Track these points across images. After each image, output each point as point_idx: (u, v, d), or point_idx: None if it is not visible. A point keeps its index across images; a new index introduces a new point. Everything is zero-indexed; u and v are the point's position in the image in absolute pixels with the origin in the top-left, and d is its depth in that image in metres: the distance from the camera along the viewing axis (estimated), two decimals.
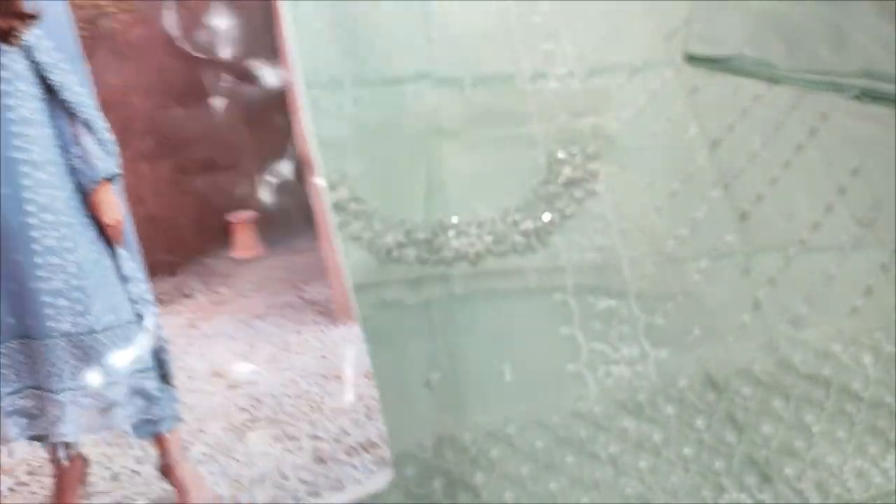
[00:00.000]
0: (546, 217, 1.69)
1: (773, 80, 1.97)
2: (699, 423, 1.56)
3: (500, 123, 1.88)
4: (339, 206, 1.73)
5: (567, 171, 1.77)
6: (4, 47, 1.41)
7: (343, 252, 1.64)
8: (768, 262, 1.66)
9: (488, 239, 1.65)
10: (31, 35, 1.43)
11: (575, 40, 2.04)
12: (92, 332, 1.47)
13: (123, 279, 1.56)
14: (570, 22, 2.08)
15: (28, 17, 1.41)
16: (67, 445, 1.60)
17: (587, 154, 1.81)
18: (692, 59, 2.00)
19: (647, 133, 1.86)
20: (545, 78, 1.95)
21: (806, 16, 2.09)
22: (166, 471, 1.70)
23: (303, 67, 1.83)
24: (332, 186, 1.74)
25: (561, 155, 1.81)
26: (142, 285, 1.59)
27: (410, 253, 1.64)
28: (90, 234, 1.52)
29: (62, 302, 1.44)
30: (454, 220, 1.69)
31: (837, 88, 1.94)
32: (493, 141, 1.84)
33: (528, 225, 1.68)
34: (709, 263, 1.62)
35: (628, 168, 1.78)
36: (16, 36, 1.40)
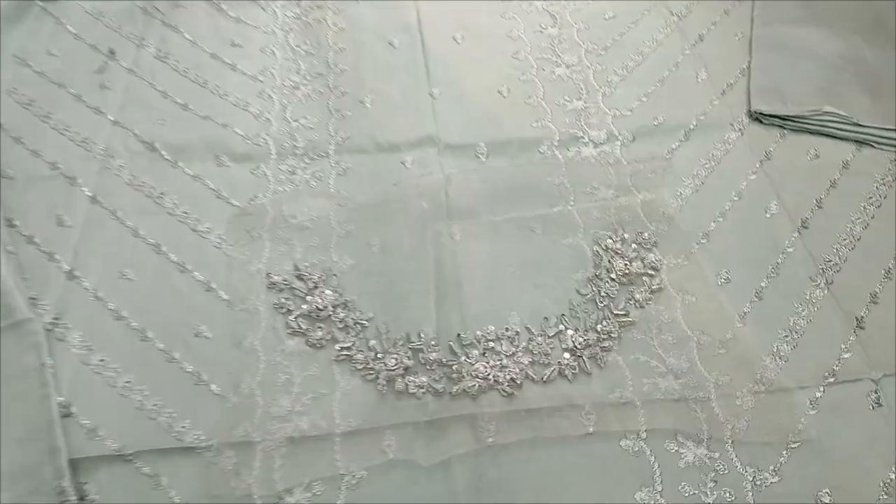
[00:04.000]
0: (599, 327, 1.27)
1: (861, 140, 1.59)
2: None
3: (526, 202, 1.49)
4: (316, 318, 1.30)
5: (620, 265, 1.35)
6: None
7: (332, 383, 1.22)
8: None
9: (524, 361, 1.22)
10: None
11: (611, 96, 1.65)
12: None
13: None
14: (603, 74, 1.69)
15: None
16: None
17: (643, 241, 1.40)
18: (758, 117, 1.63)
19: (715, 212, 1.46)
20: (579, 142, 1.56)
21: (890, 62, 1.73)
22: None
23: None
24: (309, 289, 1.32)
25: (610, 242, 1.40)
26: None
27: (419, 382, 1.20)
28: None
29: None
30: (476, 334, 1.27)
31: None
32: (518, 225, 1.44)
33: (577, 340, 1.25)
34: (827, 393, 1.20)
35: (698, 259, 1.36)
36: None
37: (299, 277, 1.40)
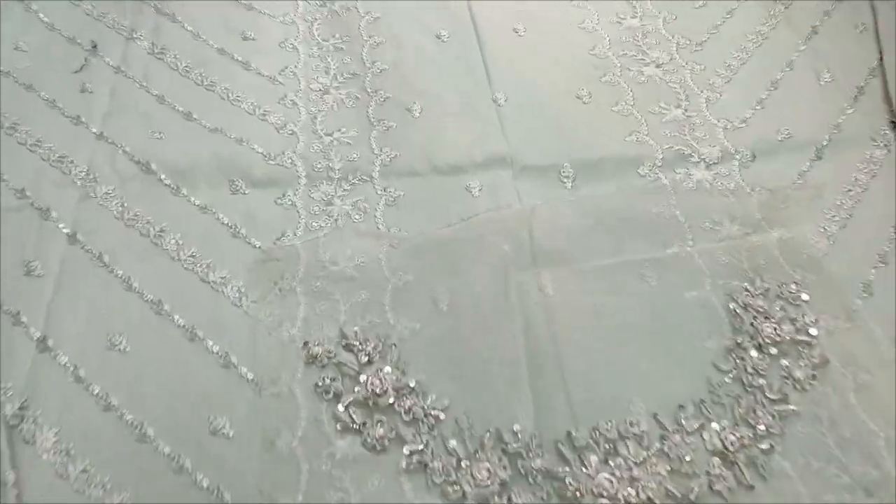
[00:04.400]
0: (752, 419, 0.93)
1: None
2: None
3: (632, 241, 1.15)
4: (373, 407, 0.96)
5: (767, 329, 1.01)
6: None
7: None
8: None
9: (661, 470, 0.88)
10: None
11: (717, 103, 1.31)
12: None
13: None
14: (703, 75, 1.35)
15: None
16: None
17: (789, 295, 1.07)
18: None
19: (873, 255, 1.15)
20: (687, 162, 1.21)
21: None
22: None
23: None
24: (362, 365, 0.98)
25: (748, 298, 1.06)
26: None
27: (523, 502, 0.87)
28: None
29: None
30: (593, 432, 0.93)
31: None
32: (626, 272, 1.10)
33: (727, 438, 0.91)
34: None
35: (863, 320, 1.03)
36: None
37: (347, 348, 1.05)
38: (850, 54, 1.50)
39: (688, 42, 1.52)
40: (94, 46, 1.45)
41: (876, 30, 1.54)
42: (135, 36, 1.48)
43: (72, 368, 1.05)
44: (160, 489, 0.94)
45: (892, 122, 1.37)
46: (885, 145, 1.34)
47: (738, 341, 1.08)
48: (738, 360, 1.06)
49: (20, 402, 1.01)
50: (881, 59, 1.47)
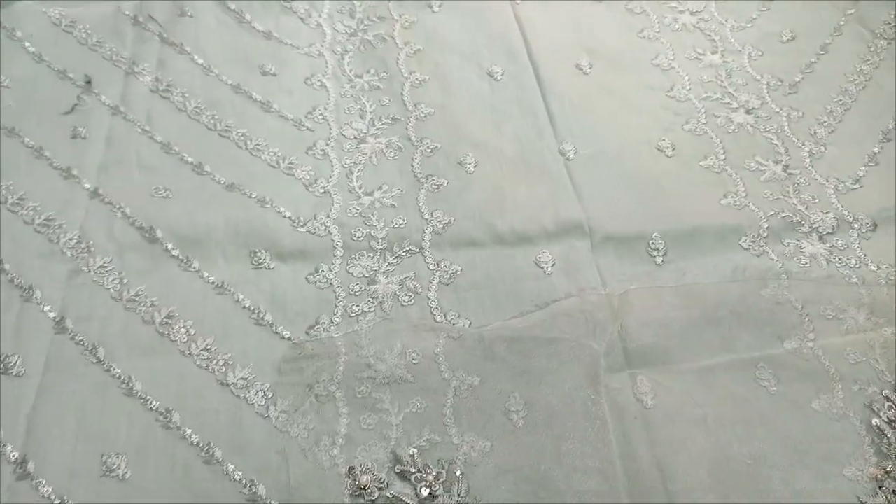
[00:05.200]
0: None
1: None
2: None
3: (741, 334, 0.93)
4: None
5: None
6: None
7: None
8: None
9: None
10: None
11: (822, 157, 1.11)
12: None
13: None
14: (803, 123, 1.15)
15: None
16: None
17: None
18: None
19: None
20: (796, 232, 1.01)
21: None
22: None
23: None
24: (422, 499, 0.77)
25: (893, 412, 0.85)
26: None
27: None
28: None
29: None
30: None
31: None
32: (737, 375, 0.89)
33: None
34: None
35: None
36: None
37: (403, 476, 0.84)
38: None
39: (779, 83, 1.31)
40: (89, 82, 1.24)
41: None
42: (136, 70, 1.27)
43: (57, 502, 0.82)
44: None
45: None
46: None
47: (888, 469, 0.87)
48: (887, 493, 0.85)
49: None
50: None
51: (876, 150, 1.22)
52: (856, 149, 1.23)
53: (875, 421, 0.92)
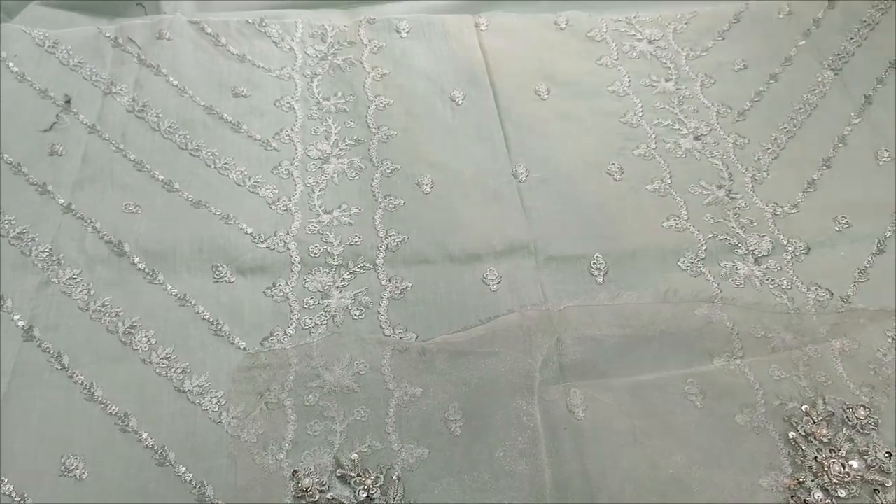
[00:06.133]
0: None
1: None
2: None
3: (673, 352, 1.01)
4: None
5: (835, 468, 0.87)
6: None
7: None
8: None
9: None
10: None
11: (763, 182, 1.18)
12: None
13: None
14: (747, 149, 1.22)
15: None
16: None
17: (858, 421, 0.93)
18: None
19: None
20: (733, 254, 1.07)
21: None
22: None
23: None
24: (360, 502, 0.83)
25: (810, 425, 0.92)
26: None
27: None
28: None
29: None
30: None
31: None
32: (666, 391, 0.96)
33: None
34: None
35: None
36: None
37: (343, 479, 0.91)
38: None
39: (728, 110, 1.38)
40: (68, 101, 1.31)
41: None
42: (114, 90, 1.34)
43: (17, 499, 0.89)
44: None
45: None
46: None
47: (801, 480, 0.93)
48: None
49: None
50: None
51: (815, 176, 1.29)
52: (796, 175, 1.29)
53: (792, 434, 0.98)
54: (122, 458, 0.94)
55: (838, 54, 1.48)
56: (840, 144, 1.34)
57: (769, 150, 1.32)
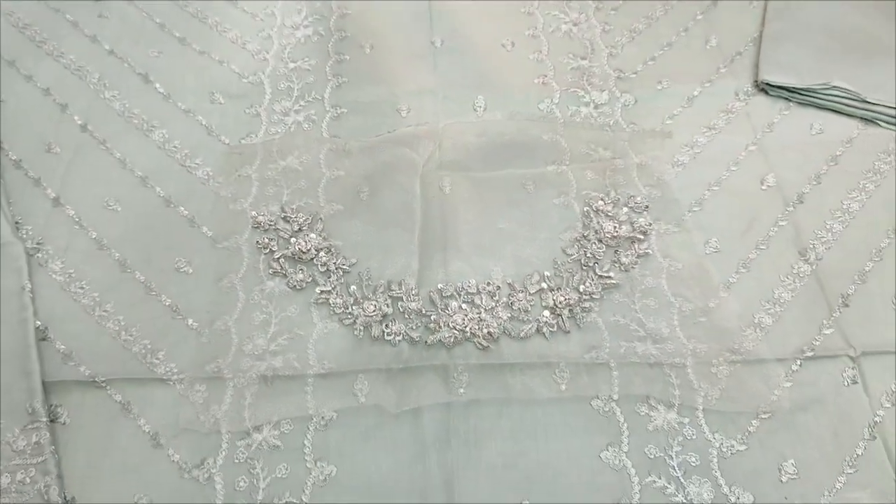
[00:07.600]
0: (582, 287, 1.29)
1: (868, 118, 1.59)
2: None
3: (521, 159, 1.50)
4: (298, 261, 1.32)
5: (608, 227, 1.37)
6: None
7: (310, 325, 1.24)
8: (886, 375, 1.27)
9: (503, 315, 1.24)
10: None
11: (617, 57, 1.65)
12: None
13: None
14: (611, 34, 1.70)
15: None
16: None
17: (635, 205, 1.41)
18: (765, 88, 1.62)
19: (710, 181, 1.47)
20: (579, 102, 1.56)
21: None
22: None
23: None
24: (294, 231, 1.34)
25: (601, 204, 1.41)
26: None
27: (396, 329, 1.23)
28: None
29: None
30: (457, 286, 1.29)
31: None
32: (511, 182, 1.45)
33: (558, 298, 1.27)
34: (804, 367, 1.22)
35: (688, 227, 1.37)
36: None
37: (285, 219, 1.42)
38: (739, 25, 1.82)
39: (604, 6, 1.85)
40: None
41: (765, 6, 1.86)
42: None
43: (76, 219, 1.42)
44: (134, 304, 1.32)
45: (756, 81, 1.70)
46: (745, 100, 1.67)
47: (585, 234, 1.43)
48: (581, 248, 1.41)
49: (37, 239, 1.38)
50: (762, 31, 1.80)
51: (657, 54, 1.77)
52: (642, 53, 1.77)
53: (586, 209, 1.48)
54: (143, 202, 1.47)
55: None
56: (682, 33, 1.81)
57: (626, 36, 1.80)
